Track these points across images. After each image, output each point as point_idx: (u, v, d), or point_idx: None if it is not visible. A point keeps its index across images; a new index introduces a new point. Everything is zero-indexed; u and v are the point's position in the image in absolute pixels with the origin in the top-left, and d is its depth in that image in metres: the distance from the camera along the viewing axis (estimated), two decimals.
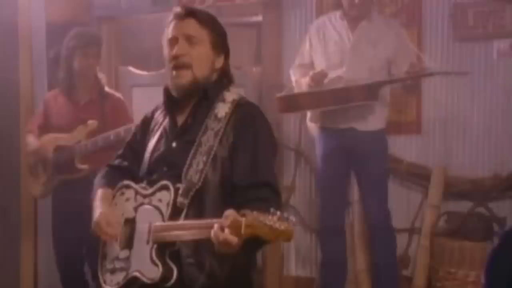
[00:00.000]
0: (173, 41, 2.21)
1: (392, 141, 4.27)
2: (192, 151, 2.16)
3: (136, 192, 2.28)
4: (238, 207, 1.95)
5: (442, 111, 4.32)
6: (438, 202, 4.17)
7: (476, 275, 3.83)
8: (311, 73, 3.82)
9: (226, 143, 2.18)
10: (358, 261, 4.25)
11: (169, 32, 2.23)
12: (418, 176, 4.30)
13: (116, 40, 5.06)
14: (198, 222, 2.03)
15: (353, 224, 4.29)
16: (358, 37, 3.86)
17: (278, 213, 1.78)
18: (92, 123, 3.81)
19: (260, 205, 1.93)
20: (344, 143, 3.87)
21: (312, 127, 4.08)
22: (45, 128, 3.98)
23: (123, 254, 2.23)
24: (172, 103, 2.30)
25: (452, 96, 4.29)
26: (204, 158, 2.14)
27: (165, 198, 2.14)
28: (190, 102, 2.26)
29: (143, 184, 2.28)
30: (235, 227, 1.83)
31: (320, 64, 3.92)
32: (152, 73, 4.93)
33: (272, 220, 1.77)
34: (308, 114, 4.00)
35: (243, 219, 1.82)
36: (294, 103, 3.90)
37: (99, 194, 2.35)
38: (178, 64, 2.19)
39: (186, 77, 2.20)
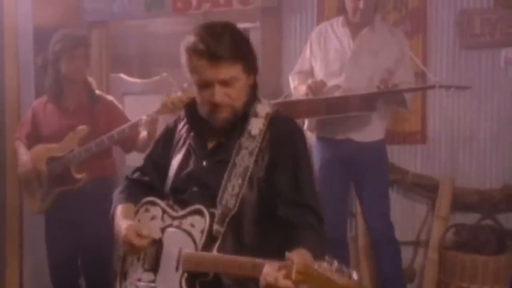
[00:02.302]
0: (207, 83, 2.01)
1: (396, 151, 4.20)
2: (227, 173, 2.01)
3: (164, 211, 2.11)
4: (279, 220, 1.92)
5: (447, 120, 4.23)
6: (446, 214, 4.06)
7: None
8: (309, 81, 3.70)
9: (262, 162, 2.03)
10: (363, 275, 4.11)
11: (197, 72, 1.99)
12: (424, 187, 4.19)
13: (107, 46, 4.87)
14: (239, 260, 1.86)
15: (357, 237, 4.16)
16: (358, 46, 3.72)
17: (336, 263, 1.63)
18: (82, 129, 3.64)
19: (309, 242, 1.85)
20: (341, 154, 3.74)
21: (309, 136, 3.94)
22: (34, 137, 3.80)
23: (147, 276, 2.08)
24: (197, 122, 2.14)
25: (458, 105, 4.19)
26: (240, 181, 1.99)
27: (199, 224, 1.98)
28: None
29: (170, 202, 2.13)
30: (285, 273, 1.68)
31: (319, 72, 3.79)
32: (145, 81, 4.78)
33: (329, 270, 1.61)
34: (306, 122, 3.85)
35: (293, 265, 1.66)
36: (288, 110, 3.72)
37: (119, 210, 2.18)
38: (216, 108, 2.03)
39: (226, 112, 2.04)
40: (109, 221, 3.75)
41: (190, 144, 2.16)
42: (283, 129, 2.08)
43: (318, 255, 1.74)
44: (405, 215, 4.20)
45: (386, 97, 3.66)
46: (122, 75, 4.86)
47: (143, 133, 3.62)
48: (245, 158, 2.01)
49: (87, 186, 3.63)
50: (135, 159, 3.90)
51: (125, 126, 3.57)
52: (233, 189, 1.98)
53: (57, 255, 3.74)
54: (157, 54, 5.29)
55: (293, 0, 4.47)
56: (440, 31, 4.21)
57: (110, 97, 3.92)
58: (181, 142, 2.20)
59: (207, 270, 1.92)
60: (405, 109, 3.84)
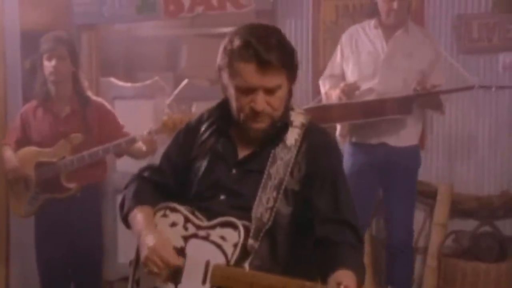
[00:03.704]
0: (249, 90, 1.91)
1: None
2: (262, 185, 1.91)
3: (187, 219, 1.98)
4: (314, 236, 1.85)
5: (445, 126, 4.19)
6: (445, 220, 4.03)
7: None
8: (342, 84, 3.62)
9: (298, 175, 1.94)
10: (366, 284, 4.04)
11: (240, 76, 1.89)
12: (421, 194, 4.13)
13: (97, 50, 4.77)
14: (283, 280, 1.75)
15: None
16: (392, 48, 3.65)
17: None
18: (76, 137, 3.54)
19: (352, 262, 1.77)
20: (374, 159, 3.65)
21: (342, 142, 3.84)
22: (24, 143, 3.69)
23: (166, 287, 1.94)
24: (227, 126, 2.05)
25: (456, 110, 4.16)
26: (274, 194, 1.90)
27: (231, 238, 1.87)
28: None
29: (191, 209, 2.01)
30: None
31: (352, 75, 3.71)
32: (136, 85, 4.67)
33: None
34: (338, 128, 3.77)
35: None
36: (322, 115, 3.62)
37: (139, 215, 2.03)
38: (256, 116, 1.93)
39: (265, 123, 1.95)
40: (100, 228, 3.74)
41: (217, 149, 2.05)
42: (319, 141, 2.00)
43: (361, 276, 1.69)
44: None
45: (422, 101, 3.59)
46: (113, 79, 4.74)
47: (141, 144, 3.54)
48: (280, 169, 1.92)
49: (80, 193, 3.56)
50: (126, 165, 3.83)
51: (121, 140, 3.49)
52: (267, 202, 1.89)
53: (47, 261, 3.66)
54: (148, 58, 5.21)
55: (288, 3, 4.42)
56: (438, 36, 4.16)
57: (102, 101, 3.82)
58: (205, 146, 2.08)
59: (240, 287, 1.81)
60: (442, 114, 3.78)
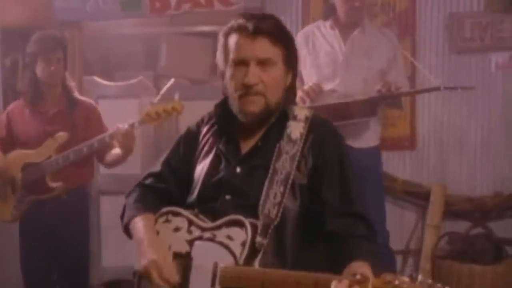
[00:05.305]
0: (241, 63, 1.88)
1: (385, 158, 4.05)
2: (268, 180, 1.85)
3: (190, 223, 1.92)
4: (324, 232, 1.82)
5: (437, 126, 4.17)
6: (439, 222, 3.99)
7: None
8: (305, 87, 3.55)
9: (304, 169, 1.89)
10: None
11: (233, 49, 1.89)
12: (413, 195, 4.11)
13: (80, 47, 4.63)
14: (295, 275, 1.69)
15: None
16: (351, 48, 3.61)
17: (420, 277, 1.50)
18: (61, 136, 3.45)
19: (366, 254, 1.73)
20: None
21: None
22: (8, 143, 3.58)
23: None
24: (228, 124, 1.99)
25: (448, 110, 4.13)
26: (282, 189, 1.84)
27: (238, 236, 1.81)
28: (256, 123, 1.97)
29: (195, 212, 1.95)
30: None
31: (310, 77, 3.65)
32: (120, 84, 4.56)
33: (412, 285, 1.49)
34: None
35: (368, 280, 1.54)
36: None
37: (140, 223, 1.97)
38: (249, 93, 1.88)
39: (258, 104, 1.89)
40: (87, 232, 3.64)
41: (219, 149, 1.99)
42: (325, 133, 1.95)
43: (377, 267, 1.64)
44: (394, 223, 4.05)
45: (385, 101, 3.55)
46: (96, 78, 4.62)
47: (116, 149, 3.45)
48: (286, 163, 1.86)
49: (64, 195, 3.45)
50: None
51: (105, 134, 3.39)
52: (274, 198, 1.83)
53: (32, 267, 3.55)
54: (127, 56, 5.08)
55: (277, 1, 4.34)
56: (429, 35, 4.15)
57: (90, 101, 3.73)
58: (207, 147, 2.03)
59: (250, 287, 1.74)
60: (400, 109, 3.75)
